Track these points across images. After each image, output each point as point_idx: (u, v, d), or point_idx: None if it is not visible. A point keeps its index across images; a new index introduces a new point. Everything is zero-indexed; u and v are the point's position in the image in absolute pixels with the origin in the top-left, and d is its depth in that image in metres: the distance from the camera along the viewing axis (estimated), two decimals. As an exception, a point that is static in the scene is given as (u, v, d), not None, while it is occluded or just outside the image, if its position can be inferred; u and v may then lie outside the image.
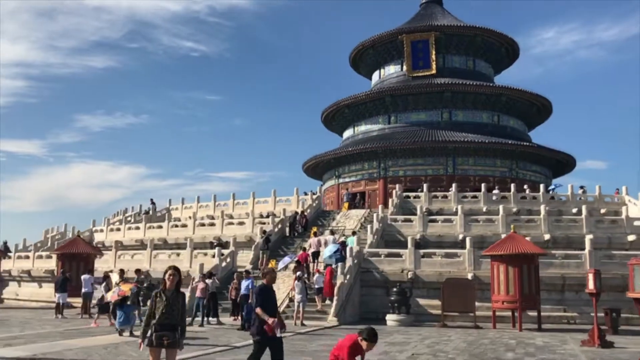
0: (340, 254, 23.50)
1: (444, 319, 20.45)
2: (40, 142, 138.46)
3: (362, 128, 59.53)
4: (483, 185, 36.15)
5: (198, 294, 18.02)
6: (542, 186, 36.69)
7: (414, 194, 35.68)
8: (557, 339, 16.78)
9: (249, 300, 16.70)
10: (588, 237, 23.67)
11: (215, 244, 27.65)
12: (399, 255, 23.80)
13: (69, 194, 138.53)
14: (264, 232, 26.63)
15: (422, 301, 22.83)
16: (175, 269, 7.27)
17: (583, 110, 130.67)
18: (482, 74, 59.72)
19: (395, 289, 21.02)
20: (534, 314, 21.28)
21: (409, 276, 22.98)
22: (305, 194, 37.43)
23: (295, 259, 23.85)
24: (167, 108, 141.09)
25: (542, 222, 28.13)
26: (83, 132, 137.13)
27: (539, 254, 20.39)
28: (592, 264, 22.84)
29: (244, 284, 17.30)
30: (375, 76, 63.48)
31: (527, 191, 38.85)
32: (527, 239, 22.33)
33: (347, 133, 61.64)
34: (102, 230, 35.92)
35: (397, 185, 39.58)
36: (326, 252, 24.16)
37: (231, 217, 35.50)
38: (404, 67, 58.60)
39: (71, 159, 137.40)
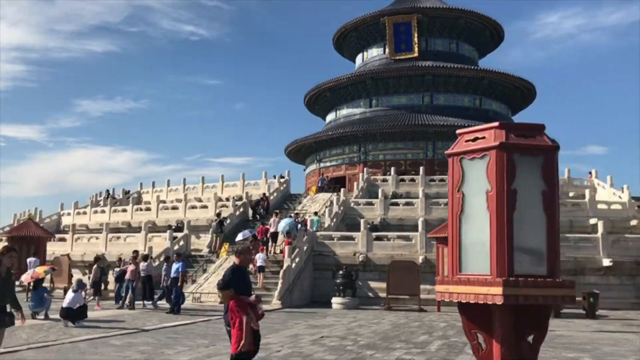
0: (295, 228, 23.86)
1: (389, 302, 20.27)
2: (39, 127, 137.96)
3: (344, 112, 59.11)
4: (392, 168, 35.84)
5: (127, 276, 17.81)
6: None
7: (382, 177, 35.39)
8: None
9: (178, 283, 16.50)
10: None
11: (173, 227, 27.42)
12: (351, 238, 23.59)
13: (70, 179, 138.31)
14: (218, 215, 26.38)
15: (373, 284, 22.66)
16: (14, 250, 7.06)
17: (585, 94, 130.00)
18: (465, 57, 59.09)
19: (341, 272, 20.83)
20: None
21: (361, 259, 22.78)
22: (276, 177, 37.13)
23: (254, 233, 24.02)
24: (167, 93, 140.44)
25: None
26: (83, 117, 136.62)
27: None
28: (544, 247, 22.64)
29: (174, 267, 17.07)
30: (359, 59, 62.92)
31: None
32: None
33: (330, 117, 61.23)
34: (69, 214, 35.69)
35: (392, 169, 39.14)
36: (280, 225, 24.36)
37: (200, 200, 35.31)
38: (387, 50, 58.00)
39: (71, 144, 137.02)
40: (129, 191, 42.03)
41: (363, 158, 54.44)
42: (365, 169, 52.36)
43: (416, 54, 56.42)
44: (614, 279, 22.37)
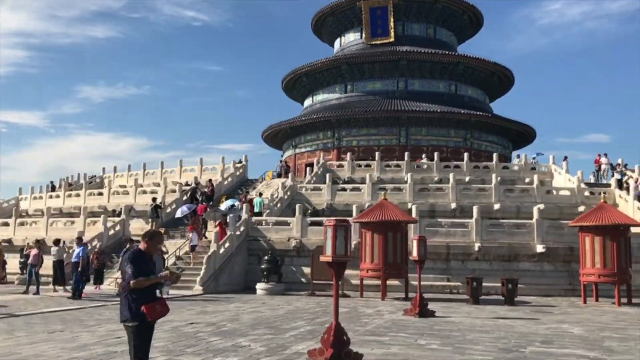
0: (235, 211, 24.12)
1: (313, 288, 20.09)
2: (41, 113, 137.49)
3: (320, 97, 58.70)
4: (406, 154, 35.61)
5: (30, 260, 17.65)
6: (466, 155, 35.93)
7: (337, 162, 35.13)
8: (396, 307, 16.41)
9: (78, 269, 16.32)
10: (475, 207, 23.17)
11: (117, 212, 27.25)
12: (286, 223, 23.38)
13: (71, 165, 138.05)
14: (154, 200, 26.19)
15: (306, 270, 22.45)
16: None
17: (589, 81, 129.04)
18: (443, 43, 58.49)
19: (266, 257, 20.64)
20: (396, 282, 21.00)
21: (294, 244, 22.58)
22: (241, 162, 36.88)
23: (194, 209, 24.10)
24: (169, 79, 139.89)
25: (450, 190, 27.63)
26: (84, 103, 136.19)
27: (407, 222, 19.92)
28: (478, 232, 22.44)
29: (75, 251, 16.89)
30: (337, 44, 62.37)
31: (458, 161, 38.14)
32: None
33: (307, 102, 60.83)
34: (26, 199, 35.54)
35: (348, 155, 38.94)
36: (223, 206, 24.28)
37: (158, 185, 35.11)
38: (363, 35, 57.40)
39: (72, 130, 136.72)
40: (94, 176, 41.86)
41: (337, 144, 54.17)
42: (341, 155, 52.31)
43: (392, 39, 55.84)
44: (548, 265, 22.14)
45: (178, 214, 25.24)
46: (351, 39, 60.04)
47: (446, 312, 15.41)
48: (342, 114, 52.35)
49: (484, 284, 21.69)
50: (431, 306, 17.16)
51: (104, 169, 41.90)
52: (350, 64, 54.80)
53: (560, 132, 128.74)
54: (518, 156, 39.47)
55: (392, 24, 56.01)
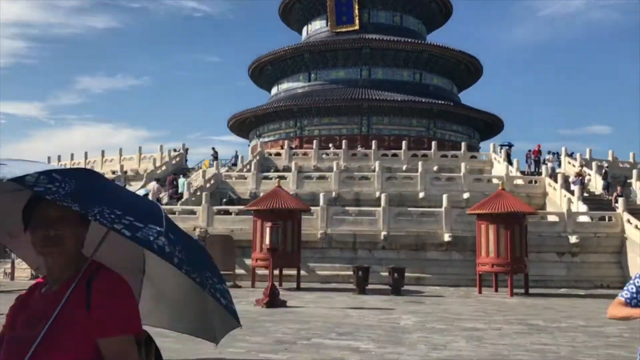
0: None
1: (204, 277, 19.56)
2: (40, 104, 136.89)
3: (285, 86, 58.04)
4: (344, 142, 35.09)
5: None
6: (404, 143, 35.31)
7: (275, 150, 34.59)
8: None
9: None
10: (383, 195, 22.64)
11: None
12: (192, 212, 22.84)
13: (91, 157, 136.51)
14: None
15: (211, 259, 21.94)
16: None
17: (589, 73, 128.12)
18: (410, 31, 57.62)
19: (158, 246, 20.07)
20: (304, 273, 20.52)
21: (198, 233, 22.04)
22: (176, 150, 36.23)
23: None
24: (168, 70, 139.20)
25: (375, 179, 27.06)
26: (84, 94, 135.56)
27: (302, 210, 19.37)
28: (385, 221, 21.90)
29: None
30: (304, 32, 61.58)
31: (414, 150, 37.56)
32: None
33: (273, 90, 60.20)
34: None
35: (286, 143, 38.48)
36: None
37: (114, 172, 34.59)
38: (329, 23, 56.62)
39: (72, 122, 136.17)
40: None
41: (299, 133, 53.58)
42: (303, 144, 51.73)
43: (357, 27, 55.06)
44: (457, 254, 21.63)
45: None
46: (317, 27, 59.25)
47: (308, 302, 14.91)
48: (303, 102, 51.77)
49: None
50: (315, 296, 16.73)
51: (48, 157, 41.29)
52: (313, 52, 54.10)
53: (561, 123, 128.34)
54: (509, 145, 38.83)
55: (357, 11, 55.21)
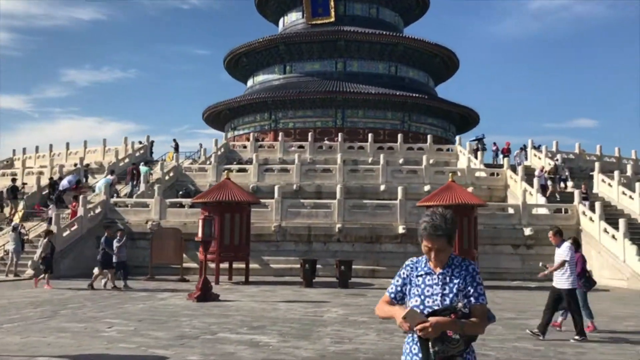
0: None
1: (152, 272, 19.25)
2: (24, 97, 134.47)
3: (260, 78, 57.57)
4: (310, 135, 34.77)
5: None
6: (370, 136, 35.13)
7: (241, 143, 34.27)
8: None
9: None
10: (338, 187, 22.40)
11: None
12: (145, 205, 22.48)
13: (56, 150, 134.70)
14: (13, 180, 25.19)
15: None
16: None
17: (577, 67, 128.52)
18: (387, 24, 57.28)
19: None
20: (255, 265, 20.29)
21: (149, 226, 21.68)
22: (141, 142, 35.69)
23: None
24: (155, 62, 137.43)
25: (337, 171, 26.82)
26: (69, 87, 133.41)
27: (250, 202, 19.08)
28: (340, 213, 21.68)
29: None
30: (280, 24, 61.10)
31: (380, 141, 37.36)
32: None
33: (249, 83, 59.73)
34: None
35: (251, 135, 38.10)
36: (98, 184, 24.42)
37: (64, 166, 34.03)
38: (305, 15, 56.18)
39: (57, 115, 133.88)
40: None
41: (274, 126, 53.17)
42: (277, 137, 51.34)
43: (333, 19, 54.60)
44: (412, 246, 21.40)
45: (64, 183, 24.88)
46: (293, 19, 58.77)
47: (247, 296, 14.64)
48: (278, 95, 51.39)
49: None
50: (258, 289, 16.47)
51: (14, 150, 40.68)
52: (288, 44, 53.63)
53: (548, 117, 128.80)
54: (479, 138, 38.62)
55: (332, 3, 54.77)
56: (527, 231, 21.27)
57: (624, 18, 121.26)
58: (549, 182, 26.37)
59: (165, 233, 19.47)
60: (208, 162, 30.50)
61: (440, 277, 2.98)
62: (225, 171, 21.30)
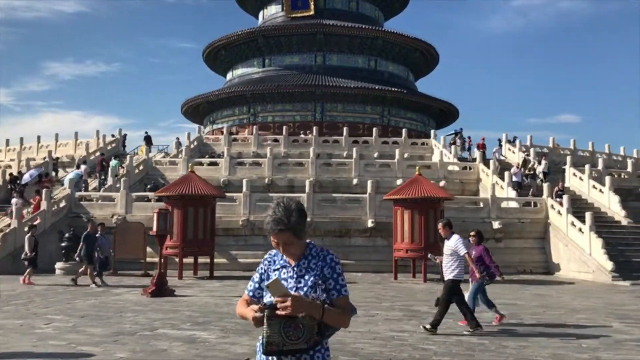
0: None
1: (115, 267, 18.92)
2: (6, 91, 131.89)
3: (239, 71, 57.13)
4: (284, 128, 34.55)
5: None
6: (345, 129, 34.97)
7: (213, 136, 33.90)
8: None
9: None
10: (308, 181, 22.21)
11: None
12: (111, 199, 22.10)
13: (27, 144, 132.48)
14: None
15: (128, 247, 21.26)
16: None
17: (561, 62, 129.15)
18: (367, 17, 57.05)
19: (67, 235, 19.36)
20: (223, 260, 20.06)
21: (115, 221, 21.32)
22: (114, 135, 35.26)
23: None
24: (140, 56, 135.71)
25: (309, 165, 26.60)
26: (52, 81, 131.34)
27: (215, 196, 18.82)
28: (309, 207, 21.45)
29: None
30: (260, 17, 60.60)
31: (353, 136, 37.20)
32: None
33: (228, 76, 59.26)
34: None
35: (225, 128, 37.79)
36: (68, 177, 24.05)
37: (34, 160, 33.47)
38: (284, 8, 55.76)
39: (40, 108, 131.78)
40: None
41: (252, 119, 52.81)
42: (254, 129, 51.01)
43: (312, 12, 54.25)
44: (381, 240, 21.30)
45: (26, 178, 24.38)
46: (273, 12, 58.34)
47: (205, 291, 14.40)
48: (256, 88, 51.02)
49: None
50: (220, 284, 16.22)
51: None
52: (267, 37, 53.23)
53: (532, 112, 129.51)
54: (456, 132, 38.48)
55: (312, -4, 54.50)
56: (496, 224, 21.22)
57: (607, 13, 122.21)
58: (526, 180, 26.14)
59: (129, 227, 19.14)
60: (180, 156, 30.15)
61: (295, 269, 2.78)
62: (191, 164, 20.96)
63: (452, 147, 30.50)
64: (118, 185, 24.69)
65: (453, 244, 8.95)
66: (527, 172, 27.13)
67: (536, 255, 21.72)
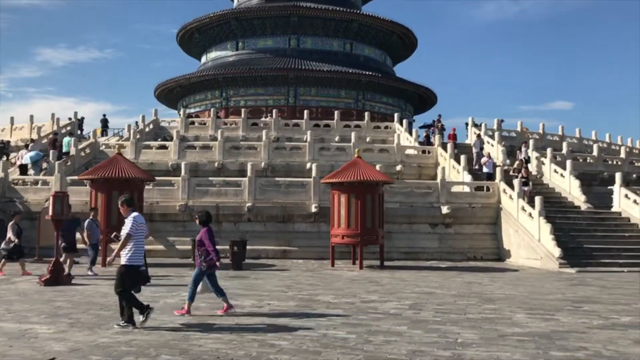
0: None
1: (39, 253, 18.04)
2: None
3: (213, 55, 56.06)
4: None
5: None
6: (305, 113, 34.13)
7: (170, 119, 32.94)
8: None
9: None
10: (249, 164, 21.31)
11: None
12: (45, 182, 21.17)
13: None
14: None
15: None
16: None
17: (555, 50, 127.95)
18: (344, 1, 55.89)
19: (-8, 220, 18.41)
20: (159, 247, 19.22)
21: (46, 205, 20.36)
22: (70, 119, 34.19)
23: None
24: (132, 42, 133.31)
25: (262, 149, 25.69)
26: (44, 67, 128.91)
27: (144, 180, 17.91)
28: (251, 192, 20.60)
29: None
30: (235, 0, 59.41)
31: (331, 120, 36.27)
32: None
33: (202, 59, 58.17)
34: None
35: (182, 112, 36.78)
36: (28, 155, 23.75)
37: (8, 142, 32.42)
38: (259, -10, 54.53)
39: (32, 95, 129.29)
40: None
41: (225, 104, 51.90)
42: (229, 115, 49.91)
43: (287, -6, 53.07)
44: (325, 225, 20.33)
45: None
46: (247, -6, 57.10)
47: (109, 280, 13.50)
48: (227, 72, 49.96)
49: (255, 247, 20.14)
50: (163, 272, 15.31)
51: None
52: (240, 20, 52.08)
53: (525, 99, 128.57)
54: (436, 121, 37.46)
55: (287, -22, 53.25)
56: (445, 209, 20.39)
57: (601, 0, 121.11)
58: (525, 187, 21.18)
59: (16, 212, 18.11)
60: (134, 139, 29.16)
61: None
62: (117, 146, 20.03)
63: (415, 131, 29.60)
64: (64, 168, 23.78)
65: (128, 224, 7.97)
66: (520, 176, 23.97)
67: (487, 241, 20.93)
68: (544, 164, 25.70)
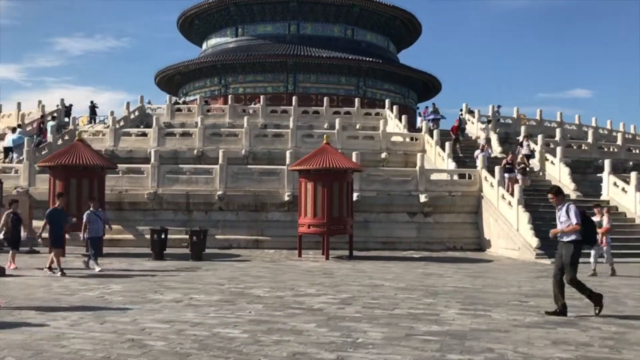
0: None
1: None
2: (16, 67, 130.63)
3: (213, 41, 55.56)
4: (230, 98, 33.02)
5: None
6: (294, 99, 33.41)
7: (156, 105, 32.44)
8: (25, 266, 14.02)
9: None
10: (221, 151, 20.69)
11: None
12: (15, 170, 20.78)
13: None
14: None
15: (35, 223, 19.98)
16: None
17: (573, 37, 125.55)
18: (345, -15, 54.75)
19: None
20: (129, 236, 18.77)
21: (15, 193, 19.98)
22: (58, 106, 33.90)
23: None
24: (149, 31, 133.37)
25: (243, 136, 25.09)
26: (62, 56, 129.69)
27: (104, 167, 17.39)
28: (222, 180, 20.02)
29: None
30: (236, -15, 58.47)
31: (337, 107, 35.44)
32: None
33: (203, 46, 57.69)
34: None
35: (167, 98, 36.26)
36: (11, 138, 24.17)
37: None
38: (259, -25, 53.60)
39: (50, 84, 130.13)
40: None
41: (224, 91, 51.35)
42: (227, 102, 49.36)
43: (288, -21, 52.17)
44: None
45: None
46: (248, -21, 56.18)
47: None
48: (226, 58, 49.39)
49: (228, 237, 19.69)
50: (105, 260, 14.83)
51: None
52: (239, 5, 51.40)
53: (542, 87, 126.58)
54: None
55: (285, -39, 52.32)
56: (422, 198, 19.63)
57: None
58: (519, 175, 20.79)
59: (13, 200, 17.74)
60: (120, 125, 28.76)
61: None
62: (78, 132, 19.52)
63: (404, 117, 28.74)
64: (39, 155, 23.42)
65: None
66: (516, 166, 21.64)
67: (468, 230, 20.16)
68: (535, 150, 24.74)
